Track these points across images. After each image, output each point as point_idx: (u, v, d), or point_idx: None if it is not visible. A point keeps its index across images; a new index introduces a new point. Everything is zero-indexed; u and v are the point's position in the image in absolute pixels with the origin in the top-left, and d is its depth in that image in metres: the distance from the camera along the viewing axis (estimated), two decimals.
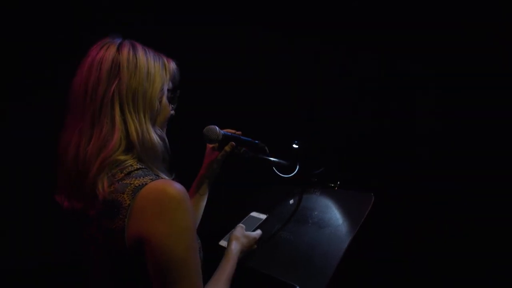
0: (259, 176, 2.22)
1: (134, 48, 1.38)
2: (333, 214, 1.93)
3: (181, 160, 1.63)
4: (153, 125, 1.40)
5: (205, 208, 1.97)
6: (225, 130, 1.88)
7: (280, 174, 2.09)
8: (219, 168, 1.97)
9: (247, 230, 1.87)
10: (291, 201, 2.14)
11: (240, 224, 1.89)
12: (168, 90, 1.46)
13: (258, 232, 1.88)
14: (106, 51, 1.34)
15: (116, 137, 1.29)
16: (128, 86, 1.33)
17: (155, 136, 1.38)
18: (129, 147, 1.32)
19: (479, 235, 2.32)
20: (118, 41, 1.38)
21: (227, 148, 1.89)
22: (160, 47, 1.50)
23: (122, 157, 1.30)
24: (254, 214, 2.05)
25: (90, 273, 1.43)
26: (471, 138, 2.44)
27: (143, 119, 1.35)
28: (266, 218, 1.99)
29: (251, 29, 3.15)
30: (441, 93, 2.62)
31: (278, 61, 3.16)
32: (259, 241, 1.90)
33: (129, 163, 1.30)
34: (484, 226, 2.31)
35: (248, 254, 1.81)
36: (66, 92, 1.41)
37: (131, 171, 1.28)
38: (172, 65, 1.49)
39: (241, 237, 1.77)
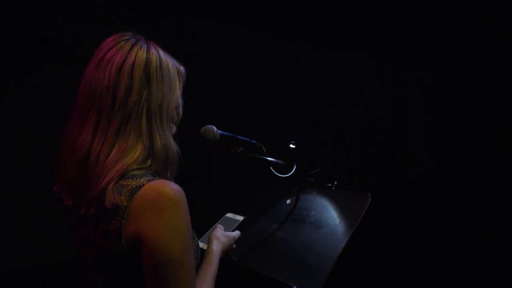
0: (256, 176, 2.22)
1: (159, 56, 1.36)
2: (330, 214, 1.93)
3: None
4: (172, 136, 1.41)
5: (202, 208, 1.96)
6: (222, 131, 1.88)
7: (277, 174, 2.09)
8: None
9: (225, 230, 1.84)
10: (288, 201, 2.15)
11: (218, 225, 1.88)
12: None
13: (237, 232, 1.85)
14: (137, 57, 1.31)
15: (139, 150, 1.29)
16: (156, 98, 1.32)
17: (175, 148, 1.39)
18: (147, 159, 1.32)
19: (476, 236, 2.31)
20: (144, 44, 1.36)
21: None
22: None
23: (136, 166, 1.29)
24: (229, 215, 2.02)
25: (83, 273, 1.42)
26: (469, 138, 2.44)
27: (167, 131, 1.36)
28: (243, 220, 1.96)
29: (249, 30, 3.16)
30: (439, 93, 2.62)
31: (276, 62, 3.17)
32: (251, 240, 1.90)
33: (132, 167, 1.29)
34: (482, 226, 2.31)
35: (227, 253, 1.79)
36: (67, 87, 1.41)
37: (128, 173, 1.27)
38: (182, 70, 1.48)
39: (221, 236, 1.75)
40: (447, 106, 2.59)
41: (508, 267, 2.28)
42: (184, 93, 1.50)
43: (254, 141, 1.98)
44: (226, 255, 1.77)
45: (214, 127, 1.83)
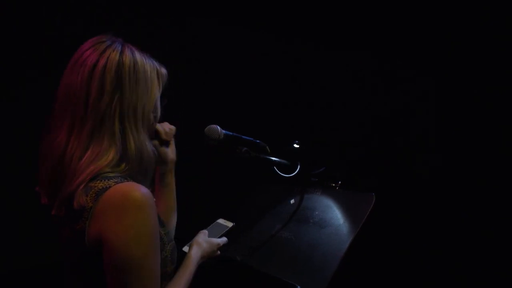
0: (259, 176, 2.22)
1: (134, 58, 1.35)
2: (334, 214, 1.93)
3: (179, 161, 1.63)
4: (149, 138, 1.40)
5: (204, 209, 1.95)
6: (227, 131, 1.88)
7: (281, 174, 2.09)
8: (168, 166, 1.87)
9: (212, 236, 1.82)
10: (292, 201, 2.14)
11: (203, 230, 1.86)
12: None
13: (223, 239, 1.83)
14: (109, 59, 1.30)
15: (113, 153, 1.29)
16: (129, 101, 1.32)
17: (151, 151, 1.39)
18: (121, 162, 1.32)
19: (480, 236, 2.32)
20: (118, 46, 1.35)
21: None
22: (159, 47, 1.49)
23: (109, 169, 1.29)
24: (220, 221, 1.99)
25: (65, 273, 1.42)
26: (473, 138, 2.45)
27: (142, 134, 1.35)
28: (232, 226, 1.93)
29: (249, 30, 3.17)
30: (442, 93, 2.63)
31: (280, 61, 3.17)
32: (261, 242, 1.89)
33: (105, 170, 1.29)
34: (486, 227, 2.32)
35: (210, 259, 1.77)
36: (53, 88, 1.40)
37: (99, 175, 1.27)
38: (164, 72, 1.47)
39: (202, 242, 1.74)
40: (447, 105, 2.60)
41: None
42: (166, 95, 1.49)
43: (258, 141, 1.97)
44: (231, 255, 1.77)
45: (218, 127, 1.82)
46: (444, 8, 2.58)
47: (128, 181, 1.28)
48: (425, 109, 2.70)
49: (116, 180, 1.25)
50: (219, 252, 1.80)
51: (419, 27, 2.68)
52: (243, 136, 1.93)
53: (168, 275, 1.44)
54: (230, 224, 1.93)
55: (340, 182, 2.10)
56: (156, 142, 1.72)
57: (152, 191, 1.31)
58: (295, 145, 2.19)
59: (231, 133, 1.88)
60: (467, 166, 2.47)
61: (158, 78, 1.43)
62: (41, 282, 2.90)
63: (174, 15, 3.24)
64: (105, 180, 1.25)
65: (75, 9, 2.94)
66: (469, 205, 2.41)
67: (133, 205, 1.19)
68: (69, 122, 1.30)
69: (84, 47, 1.34)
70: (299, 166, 2.11)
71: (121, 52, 1.34)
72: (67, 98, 1.31)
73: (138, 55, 1.37)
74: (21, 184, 2.81)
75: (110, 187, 1.22)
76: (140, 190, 1.21)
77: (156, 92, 1.42)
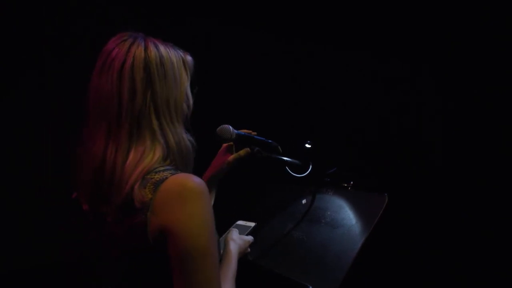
0: (271, 176, 2.22)
1: (159, 51, 1.32)
2: (346, 214, 1.92)
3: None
4: (184, 129, 1.40)
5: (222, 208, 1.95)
6: (239, 130, 1.87)
7: (293, 174, 2.09)
8: (228, 170, 1.95)
9: None
10: (304, 201, 2.14)
11: (232, 228, 1.86)
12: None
13: (251, 237, 1.84)
14: (135, 57, 1.29)
15: (159, 150, 1.29)
16: (160, 96, 1.30)
17: (188, 142, 1.38)
18: (167, 157, 1.32)
19: (494, 236, 2.34)
20: (141, 42, 1.32)
21: (241, 152, 1.88)
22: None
23: (158, 165, 1.28)
24: (240, 222, 2.00)
25: (104, 272, 1.42)
26: (473, 138, 2.47)
27: (178, 127, 1.35)
28: (254, 226, 1.94)
29: (249, 30, 3.17)
30: (441, 93, 2.65)
31: (280, 61, 3.18)
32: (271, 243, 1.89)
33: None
34: (500, 227, 2.33)
35: (242, 257, 1.75)
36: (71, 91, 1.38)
37: (151, 172, 1.27)
38: (189, 59, 1.44)
39: (237, 239, 1.75)
40: (447, 105, 2.62)
41: None
42: (196, 82, 1.48)
43: (270, 141, 1.96)
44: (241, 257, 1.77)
45: (230, 127, 1.80)
46: (444, 8, 2.60)
47: (180, 172, 1.28)
48: (425, 109, 2.72)
49: (171, 172, 1.25)
50: (249, 249, 1.81)
51: (419, 27, 2.70)
52: (256, 136, 1.92)
53: None
54: (252, 224, 1.94)
55: (352, 182, 2.10)
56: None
57: None
58: (307, 145, 2.19)
59: (243, 133, 1.86)
60: (467, 166, 2.50)
61: (185, 66, 1.41)
62: (41, 282, 2.89)
63: (174, 15, 3.24)
64: (160, 172, 1.25)
65: (75, 9, 2.93)
66: (469, 205, 2.44)
67: (193, 193, 1.20)
68: (105, 128, 1.29)
69: (108, 48, 1.33)
70: (311, 166, 2.10)
71: (146, 48, 1.32)
72: (98, 103, 1.30)
73: (162, 48, 1.35)
74: (21, 184, 2.83)
75: (166, 178, 1.23)
76: (195, 180, 1.22)
77: (185, 82, 1.40)
